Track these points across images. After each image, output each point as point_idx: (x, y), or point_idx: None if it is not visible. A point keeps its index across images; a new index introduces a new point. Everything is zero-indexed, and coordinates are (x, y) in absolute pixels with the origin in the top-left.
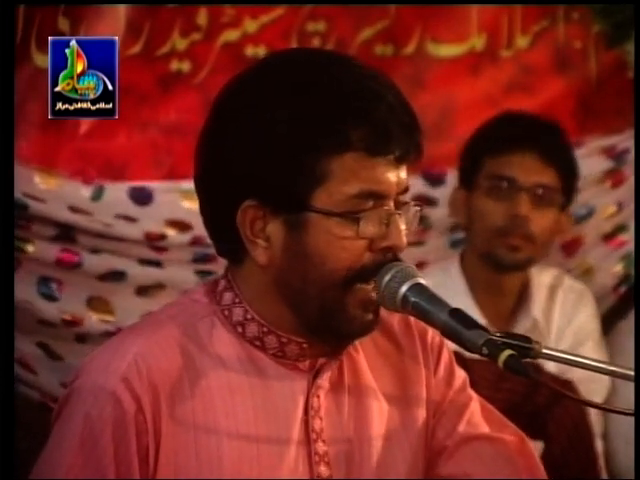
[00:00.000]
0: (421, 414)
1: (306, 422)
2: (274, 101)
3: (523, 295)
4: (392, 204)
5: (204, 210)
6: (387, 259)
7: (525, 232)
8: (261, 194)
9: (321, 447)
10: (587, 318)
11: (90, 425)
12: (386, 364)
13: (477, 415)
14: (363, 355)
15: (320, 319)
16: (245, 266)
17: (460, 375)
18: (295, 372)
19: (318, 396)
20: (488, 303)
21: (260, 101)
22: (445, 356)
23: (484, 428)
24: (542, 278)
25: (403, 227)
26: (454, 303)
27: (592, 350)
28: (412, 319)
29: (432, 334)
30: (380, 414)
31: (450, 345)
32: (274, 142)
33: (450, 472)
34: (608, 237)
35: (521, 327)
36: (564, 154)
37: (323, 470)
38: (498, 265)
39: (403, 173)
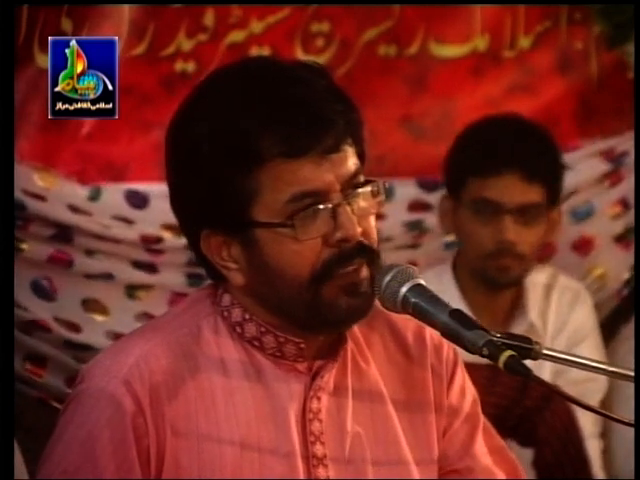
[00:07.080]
0: (429, 418)
1: (304, 425)
2: (197, 121)
3: (518, 298)
4: (339, 196)
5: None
6: (346, 250)
7: (514, 253)
8: (210, 221)
9: (320, 449)
10: (583, 317)
11: (90, 427)
12: (395, 372)
13: (481, 443)
14: (372, 360)
15: (309, 317)
16: (230, 284)
17: (472, 394)
18: (293, 374)
19: (318, 398)
20: (482, 309)
21: (186, 121)
22: (459, 373)
23: (487, 459)
24: (537, 277)
25: (352, 216)
26: None
27: (589, 349)
28: (427, 333)
29: (447, 349)
30: (386, 417)
31: None
32: (200, 165)
33: None
34: (619, 239)
35: (517, 331)
36: (549, 166)
37: (321, 472)
38: (490, 283)
39: (342, 162)
